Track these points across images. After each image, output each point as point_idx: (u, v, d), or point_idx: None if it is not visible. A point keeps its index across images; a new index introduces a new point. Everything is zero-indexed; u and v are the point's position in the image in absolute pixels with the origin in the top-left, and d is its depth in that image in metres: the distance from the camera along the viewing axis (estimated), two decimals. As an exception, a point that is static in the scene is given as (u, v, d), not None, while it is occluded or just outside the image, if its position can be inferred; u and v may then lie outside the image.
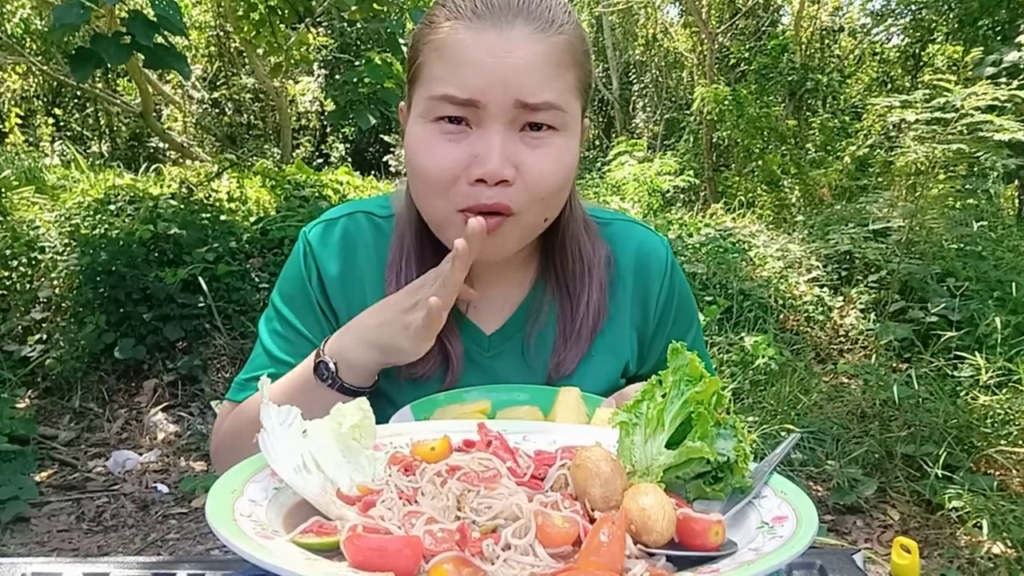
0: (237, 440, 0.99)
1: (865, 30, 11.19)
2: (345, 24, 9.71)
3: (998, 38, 7.36)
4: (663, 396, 0.75)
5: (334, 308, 1.05)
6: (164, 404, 3.96)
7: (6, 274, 4.27)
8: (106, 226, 4.61)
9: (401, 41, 5.54)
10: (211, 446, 1.11)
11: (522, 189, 0.89)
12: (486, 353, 1.04)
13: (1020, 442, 3.21)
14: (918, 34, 10.05)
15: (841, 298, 5.05)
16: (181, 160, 8.30)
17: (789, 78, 9.27)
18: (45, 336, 4.09)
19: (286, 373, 1.00)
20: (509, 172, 0.87)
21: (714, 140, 9.93)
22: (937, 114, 4.59)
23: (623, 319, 1.07)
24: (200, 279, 4.23)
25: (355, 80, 5.36)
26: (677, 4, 13.04)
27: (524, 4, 0.88)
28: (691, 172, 9.46)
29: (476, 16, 0.88)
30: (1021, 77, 5.00)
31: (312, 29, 7.13)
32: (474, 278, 1.03)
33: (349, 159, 11.67)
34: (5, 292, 4.26)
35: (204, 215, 4.87)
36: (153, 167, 7.03)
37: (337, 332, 0.96)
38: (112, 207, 4.87)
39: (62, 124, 11.01)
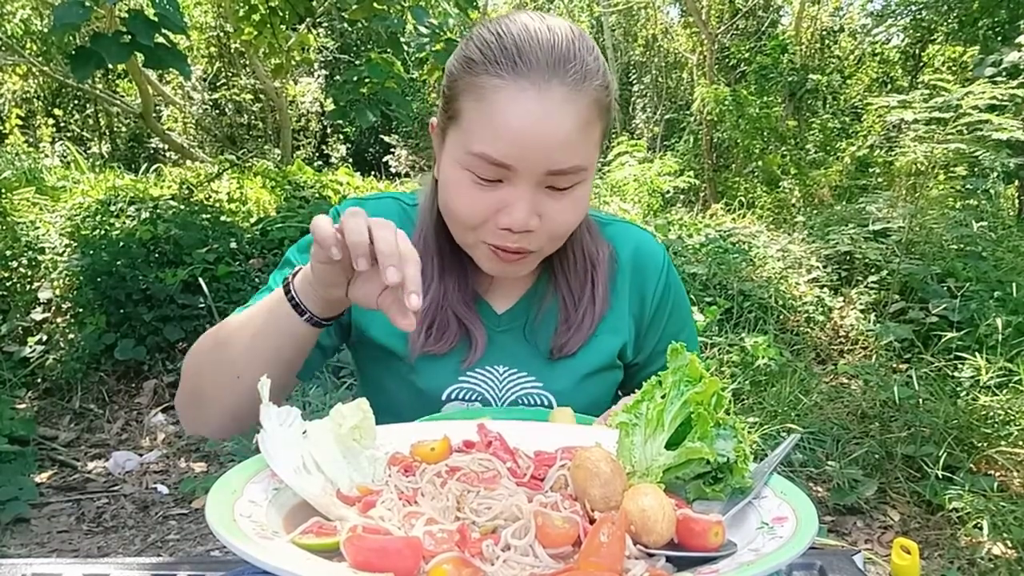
0: (215, 341, 0.99)
1: (865, 30, 11.18)
2: (346, 25, 9.71)
3: (998, 38, 7.36)
4: (663, 397, 0.75)
5: None
6: (164, 405, 3.96)
7: (6, 275, 4.27)
8: (106, 227, 4.62)
9: (402, 39, 5.53)
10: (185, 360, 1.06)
11: (543, 234, 0.98)
12: (497, 329, 1.13)
13: (1020, 443, 3.21)
14: (918, 35, 10.05)
15: (841, 299, 5.05)
16: (181, 161, 8.30)
17: (789, 78, 9.27)
18: (45, 337, 4.09)
19: None
20: (534, 223, 0.96)
21: (714, 140, 9.93)
22: (936, 114, 4.59)
23: (622, 305, 1.16)
24: (200, 280, 4.23)
25: (356, 79, 5.36)
26: (677, 5, 13.04)
27: (561, 62, 0.92)
28: (691, 173, 9.46)
29: (516, 74, 0.91)
30: (1021, 77, 5.00)
31: (312, 30, 7.13)
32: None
33: (350, 160, 11.66)
34: (5, 293, 4.26)
35: (204, 216, 4.87)
36: (153, 168, 7.04)
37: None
38: (112, 208, 4.87)
39: (62, 125, 11.01)
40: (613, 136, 12.33)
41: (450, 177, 0.98)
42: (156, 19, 3.21)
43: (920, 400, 3.53)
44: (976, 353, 3.84)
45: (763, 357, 3.93)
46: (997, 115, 4.55)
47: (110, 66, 3.29)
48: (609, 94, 0.98)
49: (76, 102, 11.12)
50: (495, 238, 0.97)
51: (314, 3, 5.88)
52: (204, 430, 1.03)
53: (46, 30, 8.04)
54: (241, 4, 5.90)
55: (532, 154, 0.92)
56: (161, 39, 3.26)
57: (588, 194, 1.01)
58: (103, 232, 4.54)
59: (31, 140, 9.69)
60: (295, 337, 0.92)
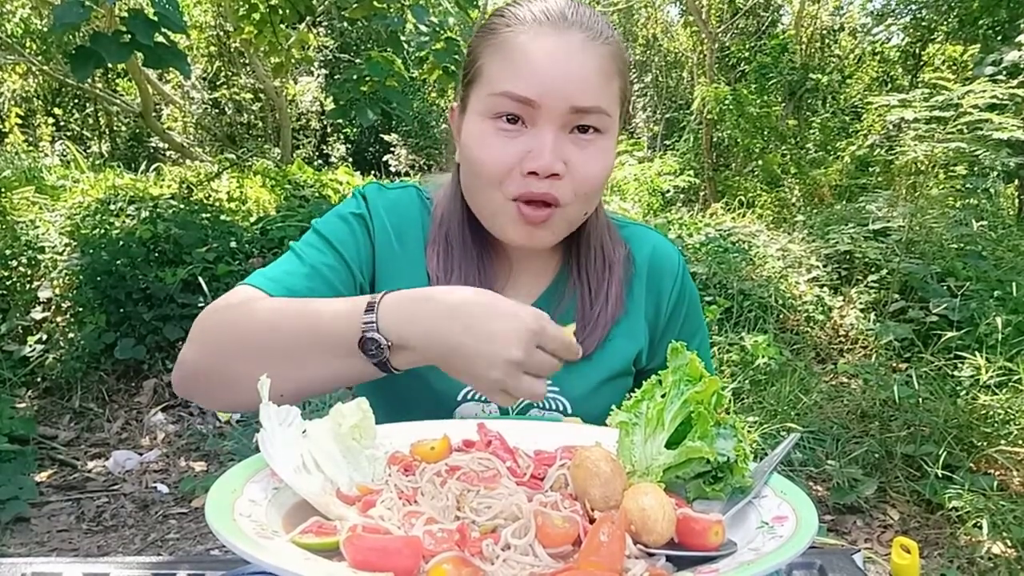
0: (239, 325, 0.96)
1: (865, 29, 11.17)
2: (345, 24, 9.71)
3: (998, 37, 7.36)
4: (663, 396, 0.75)
5: (374, 244, 1.10)
6: (164, 404, 3.96)
7: (6, 274, 4.27)
8: (106, 226, 4.61)
9: (402, 38, 5.53)
10: (201, 315, 1.00)
11: (569, 184, 0.98)
12: None
13: (1020, 442, 3.21)
14: (918, 34, 10.04)
15: (841, 298, 5.05)
16: (181, 160, 8.30)
17: (789, 78, 9.26)
18: (45, 336, 4.09)
19: (310, 275, 1.02)
20: (560, 167, 0.96)
21: (714, 140, 9.93)
22: (936, 113, 4.59)
23: (638, 310, 1.16)
24: (200, 279, 4.23)
25: (356, 77, 5.35)
26: (677, 4, 13.04)
27: (578, 16, 0.98)
28: (691, 172, 9.46)
29: (536, 23, 0.97)
30: (1022, 76, 4.99)
31: (312, 29, 7.12)
32: (509, 264, 1.13)
33: (349, 159, 11.66)
34: (5, 292, 4.25)
35: (204, 215, 4.87)
36: (153, 167, 7.03)
37: (406, 299, 0.84)
38: (112, 207, 4.87)
39: (62, 124, 11.01)
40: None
41: (474, 133, 0.99)
42: (156, 18, 3.21)
43: (920, 399, 3.53)
44: (976, 352, 3.84)
45: (763, 356, 3.93)
46: (997, 114, 4.55)
47: (110, 65, 3.29)
48: (625, 57, 1.02)
49: (76, 101, 11.12)
50: (521, 188, 0.97)
51: (314, 2, 5.88)
52: (218, 406, 0.99)
53: (46, 29, 8.04)
54: (241, 3, 5.89)
55: (555, 89, 0.94)
56: (161, 38, 3.26)
57: (612, 150, 1.02)
58: (103, 231, 4.54)
59: (31, 139, 9.68)
60: (362, 376, 0.86)
